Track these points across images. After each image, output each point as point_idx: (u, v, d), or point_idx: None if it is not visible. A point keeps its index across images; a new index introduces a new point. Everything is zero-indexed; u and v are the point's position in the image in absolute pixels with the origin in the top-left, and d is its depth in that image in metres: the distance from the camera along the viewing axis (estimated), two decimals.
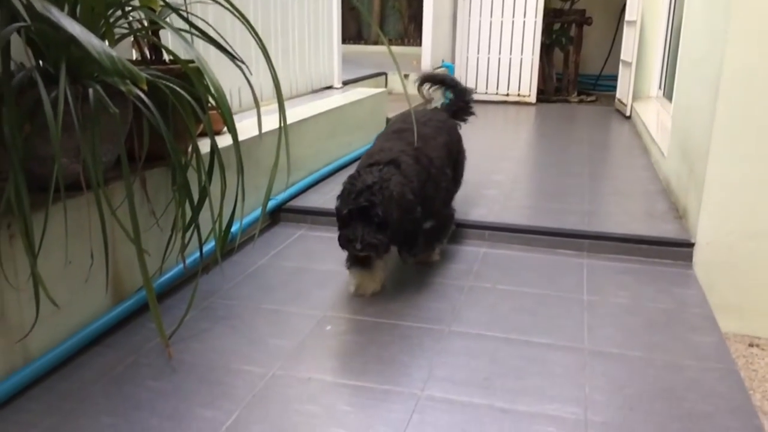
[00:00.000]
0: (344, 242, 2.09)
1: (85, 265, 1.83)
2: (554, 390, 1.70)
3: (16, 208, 1.50)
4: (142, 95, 1.74)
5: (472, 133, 5.29)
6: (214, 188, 2.03)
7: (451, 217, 2.56)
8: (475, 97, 6.95)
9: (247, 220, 2.62)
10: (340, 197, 2.14)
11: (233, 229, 2.22)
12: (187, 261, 2.13)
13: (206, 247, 2.14)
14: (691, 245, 2.57)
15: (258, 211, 2.70)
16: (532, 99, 6.82)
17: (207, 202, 1.98)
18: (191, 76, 1.92)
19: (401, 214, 2.08)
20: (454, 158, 2.65)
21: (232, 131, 1.96)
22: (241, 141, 2.08)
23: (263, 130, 2.17)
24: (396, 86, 5.96)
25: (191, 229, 2.05)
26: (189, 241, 2.06)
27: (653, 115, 4.96)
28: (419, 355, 1.87)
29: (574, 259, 2.60)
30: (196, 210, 2.00)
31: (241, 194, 2.01)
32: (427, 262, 2.51)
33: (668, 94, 4.82)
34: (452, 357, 1.86)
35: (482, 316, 2.10)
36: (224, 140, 2.22)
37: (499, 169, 3.89)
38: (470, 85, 7.02)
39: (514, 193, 3.39)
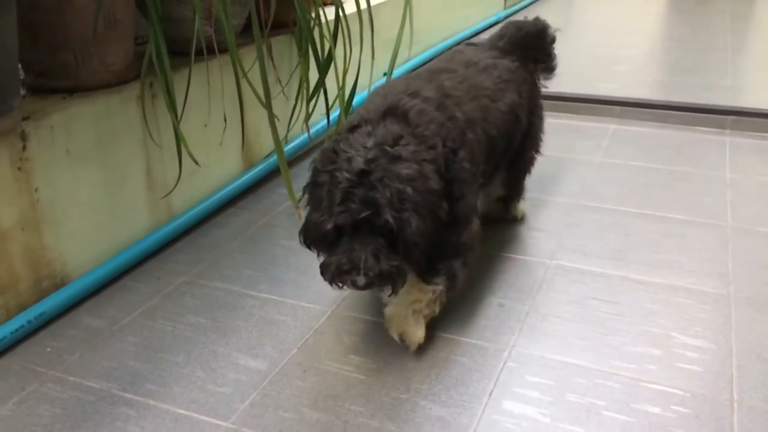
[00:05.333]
0: (336, 275, 1.21)
1: (219, 129, 1.88)
2: (693, 265, 1.62)
3: (158, 66, 1.53)
4: None
5: (596, 8, 4.91)
6: (338, 59, 2.00)
7: (474, 235, 1.39)
8: None
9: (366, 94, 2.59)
10: (311, 197, 1.29)
11: (355, 101, 2.20)
12: (311, 131, 2.15)
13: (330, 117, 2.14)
14: None
15: (381, 82, 2.65)
16: None
17: (332, 68, 1.96)
18: None
19: (422, 220, 1.21)
20: (522, 128, 1.67)
21: None
22: (363, 10, 2.01)
23: (381, 2, 2.08)
24: None
25: (315, 97, 2.05)
26: (313, 111, 2.07)
27: None
28: (547, 227, 1.82)
29: (715, 137, 2.40)
30: (323, 70, 1.98)
31: (370, 55, 1.95)
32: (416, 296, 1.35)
33: None
34: (582, 229, 1.80)
35: (613, 191, 2.01)
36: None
37: (629, 44, 3.61)
38: None
39: (647, 68, 3.15)
